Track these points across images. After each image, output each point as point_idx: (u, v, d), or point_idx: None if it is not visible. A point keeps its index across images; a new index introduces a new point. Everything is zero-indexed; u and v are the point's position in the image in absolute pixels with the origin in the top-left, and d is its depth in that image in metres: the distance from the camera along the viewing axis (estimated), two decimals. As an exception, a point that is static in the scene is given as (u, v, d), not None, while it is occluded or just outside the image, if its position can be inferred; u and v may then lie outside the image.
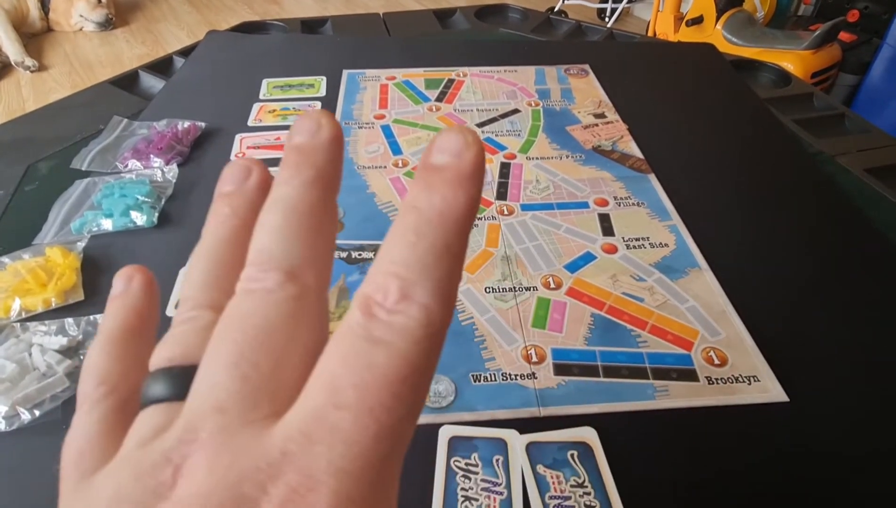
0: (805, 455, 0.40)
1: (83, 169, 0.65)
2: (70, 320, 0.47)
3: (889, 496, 0.38)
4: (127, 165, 0.65)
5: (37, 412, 0.42)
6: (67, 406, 0.43)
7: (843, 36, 1.93)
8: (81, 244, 0.54)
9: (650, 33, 2.25)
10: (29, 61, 2.37)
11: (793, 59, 1.76)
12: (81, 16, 2.66)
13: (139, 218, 0.57)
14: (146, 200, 0.59)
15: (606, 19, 2.72)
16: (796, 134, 0.76)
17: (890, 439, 0.41)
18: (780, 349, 0.46)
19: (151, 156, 0.65)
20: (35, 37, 2.63)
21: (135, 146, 0.67)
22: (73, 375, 0.44)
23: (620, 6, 2.64)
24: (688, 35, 2.04)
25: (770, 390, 0.44)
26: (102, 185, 0.62)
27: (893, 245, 0.58)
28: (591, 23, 1.10)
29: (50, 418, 0.42)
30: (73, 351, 0.46)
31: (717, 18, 1.97)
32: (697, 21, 2.02)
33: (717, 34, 1.94)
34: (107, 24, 2.70)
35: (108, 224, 0.57)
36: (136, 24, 2.82)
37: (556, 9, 2.65)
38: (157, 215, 0.58)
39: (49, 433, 0.41)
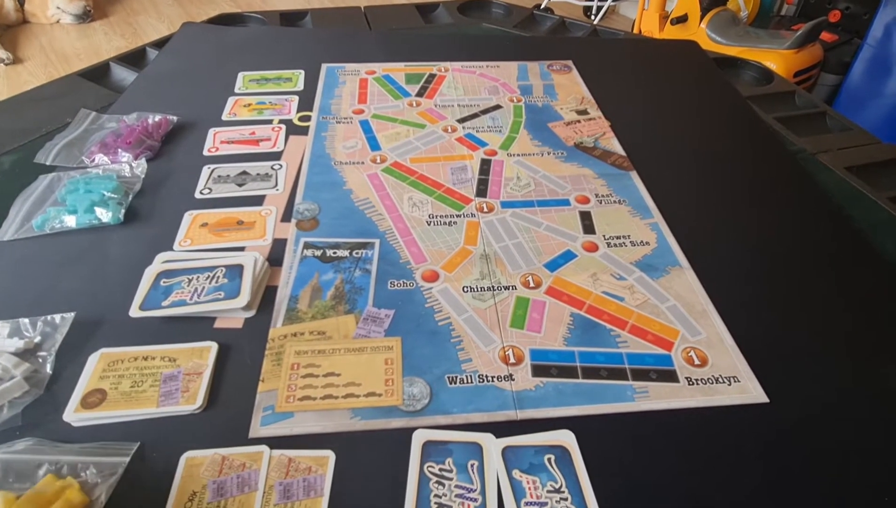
0: (785, 455, 0.39)
1: (48, 163, 0.63)
2: (26, 320, 0.45)
3: (869, 493, 0.37)
4: (94, 160, 0.62)
5: (-6, 420, 0.40)
6: (29, 414, 0.40)
7: (825, 36, 1.94)
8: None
9: (635, 32, 2.25)
10: (3, 53, 2.31)
11: (775, 59, 1.77)
12: (58, 7, 2.59)
13: (104, 215, 0.55)
14: (112, 196, 0.57)
15: (592, 17, 2.72)
16: (778, 132, 0.76)
17: (869, 437, 0.41)
18: (760, 349, 0.46)
19: (119, 150, 0.63)
20: (10, 28, 2.55)
21: (102, 140, 0.65)
22: (32, 379, 0.42)
23: (606, 4, 2.64)
24: (672, 34, 2.04)
25: (750, 390, 0.43)
26: (67, 180, 0.59)
27: (873, 243, 0.57)
28: (574, 19, 1.09)
29: (9, 426, 0.40)
30: (29, 353, 0.44)
31: (702, 17, 1.98)
32: (682, 20, 2.03)
33: (701, 33, 1.95)
34: (85, 17, 2.64)
35: (71, 221, 0.55)
36: (115, 16, 2.76)
37: (542, 6, 2.64)
38: (123, 211, 0.56)
39: (5, 441, 0.39)
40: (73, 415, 0.40)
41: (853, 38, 1.97)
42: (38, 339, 0.44)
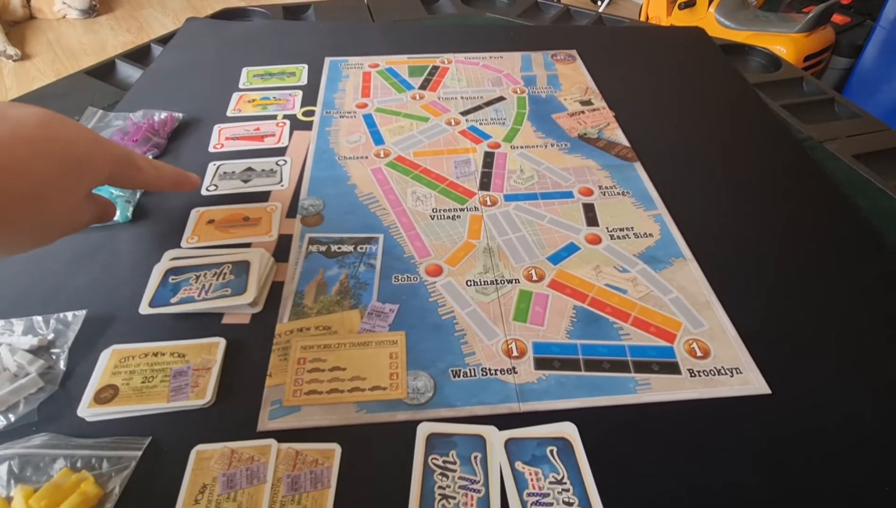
0: (787, 447, 0.40)
1: (57, 162, 0.64)
2: (39, 318, 0.46)
3: (871, 484, 0.38)
4: (101, 158, 0.63)
5: (11, 417, 0.41)
6: (44, 409, 0.42)
7: (837, 18, 1.91)
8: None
9: (643, 17, 2.22)
10: (11, 50, 2.33)
11: (786, 43, 1.75)
12: (64, 3, 2.60)
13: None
14: (120, 194, 0.57)
15: (598, 3, 2.69)
16: (785, 119, 0.75)
17: (872, 429, 0.41)
18: (763, 340, 0.46)
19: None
20: (17, 25, 2.57)
21: (110, 138, 0.65)
22: (47, 375, 0.43)
23: (613, -11, 2.60)
24: (680, 19, 2.02)
25: (752, 382, 0.43)
26: (76, 179, 0.60)
27: (881, 234, 0.57)
28: (579, 7, 1.08)
29: (26, 421, 0.41)
30: (43, 350, 0.45)
31: (710, 1, 1.95)
32: (690, 4, 2.00)
33: (709, 17, 1.92)
34: (90, 12, 2.65)
35: (81, 219, 0.55)
36: (120, 10, 2.76)
37: (547, -8, 2.61)
38: (131, 209, 0.57)
39: (22, 436, 0.40)
40: (87, 410, 0.41)
41: (866, 20, 1.93)
42: (51, 336, 0.45)
